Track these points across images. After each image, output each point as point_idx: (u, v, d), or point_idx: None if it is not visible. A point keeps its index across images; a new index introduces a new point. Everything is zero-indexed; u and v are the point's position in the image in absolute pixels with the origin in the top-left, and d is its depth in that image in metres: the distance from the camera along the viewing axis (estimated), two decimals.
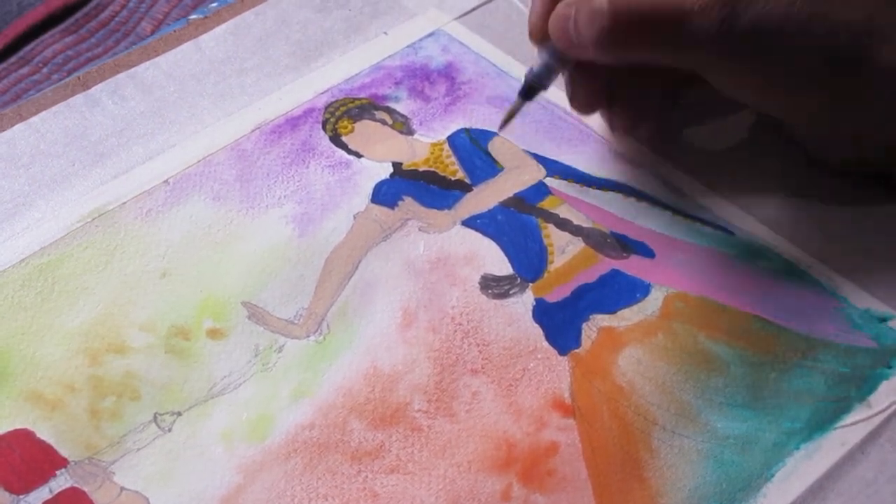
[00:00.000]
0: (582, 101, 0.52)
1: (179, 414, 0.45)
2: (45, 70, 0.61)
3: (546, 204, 0.52)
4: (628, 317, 0.48)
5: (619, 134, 0.54)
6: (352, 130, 0.55)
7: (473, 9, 0.61)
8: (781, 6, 0.44)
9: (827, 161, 0.51)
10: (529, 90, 0.51)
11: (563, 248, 0.50)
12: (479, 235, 0.51)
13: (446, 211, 0.52)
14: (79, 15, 0.64)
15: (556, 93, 0.57)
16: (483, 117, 0.56)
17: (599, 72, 0.50)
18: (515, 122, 0.52)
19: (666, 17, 0.45)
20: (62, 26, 0.64)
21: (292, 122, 0.55)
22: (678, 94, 0.53)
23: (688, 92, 0.52)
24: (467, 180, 0.53)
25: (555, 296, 0.49)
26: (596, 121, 0.56)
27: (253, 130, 0.55)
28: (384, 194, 0.52)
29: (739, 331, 0.47)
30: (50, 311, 0.48)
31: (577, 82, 0.51)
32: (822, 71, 0.45)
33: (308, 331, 0.48)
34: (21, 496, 0.42)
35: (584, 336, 0.47)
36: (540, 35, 0.50)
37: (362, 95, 0.57)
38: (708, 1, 0.44)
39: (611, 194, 0.53)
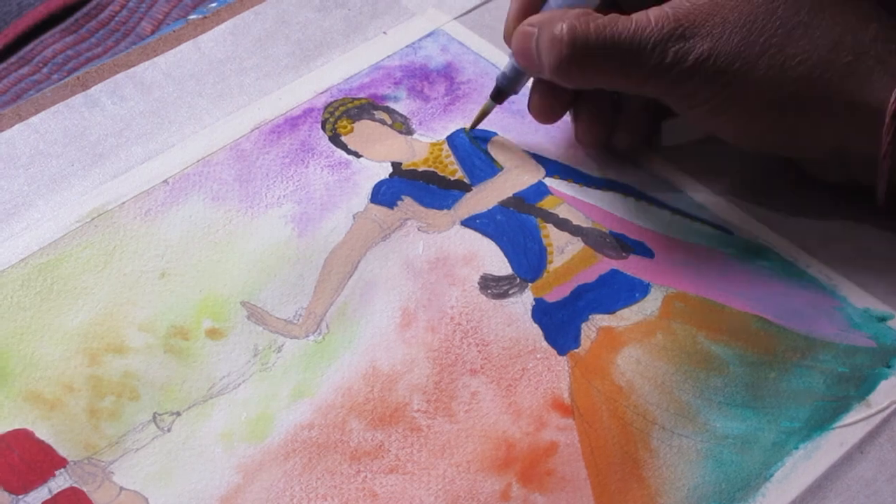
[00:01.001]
0: (539, 109, 0.53)
1: (179, 414, 0.45)
2: (45, 70, 0.61)
3: (545, 204, 0.52)
4: (627, 317, 0.48)
5: (584, 145, 0.54)
6: (351, 130, 0.55)
7: (473, 8, 0.61)
8: (734, 41, 0.45)
9: (816, 177, 0.51)
10: (499, 93, 0.53)
11: (562, 248, 0.50)
12: (478, 235, 0.51)
13: (445, 211, 0.52)
14: (79, 15, 0.64)
15: None
16: None
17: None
18: (513, 122, 0.52)
19: (622, 51, 0.46)
20: (62, 26, 0.64)
21: (291, 122, 0.55)
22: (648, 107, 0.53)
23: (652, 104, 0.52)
24: (466, 180, 0.53)
25: (554, 296, 0.49)
26: None
27: (252, 130, 0.55)
28: (383, 194, 0.52)
29: (739, 330, 0.47)
30: (49, 311, 0.48)
31: (538, 90, 0.52)
32: (772, 104, 0.46)
33: (307, 331, 0.48)
34: (20, 496, 0.42)
35: (583, 336, 0.47)
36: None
37: (362, 95, 0.57)
38: (662, 35, 0.46)
39: (610, 194, 0.53)
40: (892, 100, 0.45)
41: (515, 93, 0.53)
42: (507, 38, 0.52)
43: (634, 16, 0.47)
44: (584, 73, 0.48)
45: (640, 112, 0.53)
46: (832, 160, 0.49)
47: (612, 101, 0.53)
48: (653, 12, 0.46)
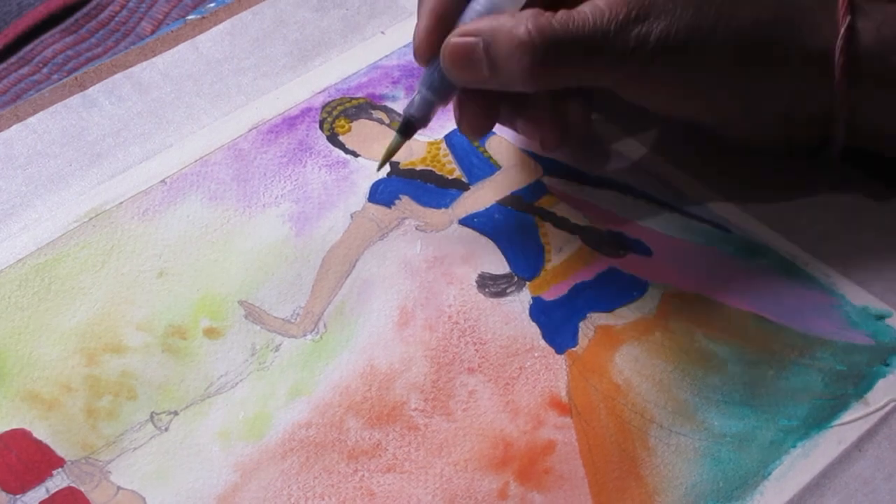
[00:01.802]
0: (473, 124, 0.49)
1: (176, 413, 0.45)
2: (45, 70, 0.62)
3: (543, 202, 0.52)
4: (625, 315, 0.48)
5: (548, 149, 0.52)
6: (349, 130, 0.55)
7: None
8: (688, 15, 0.45)
9: (757, 147, 0.51)
10: (409, 127, 0.49)
11: (560, 247, 0.50)
12: (476, 234, 0.51)
13: (443, 210, 0.52)
14: (79, 15, 0.64)
15: None
16: None
17: (488, 94, 0.48)
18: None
19: (587, 44, 0.45)
20: (62, 26, 0.64)
21: (289, 122, 0.55)
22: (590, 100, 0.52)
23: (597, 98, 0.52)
24: (464, 179, 0.53)
25: (552, 294, 0.49)
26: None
27: (250, 130, 0.55)
28: (381, 193, 0.52)
29: (736, 328, 0.47)
30: (47, 311, 0.48)
31: (465, 107, 0.49)
32: (734, 68, 0.46)
33: (305, 330, 0.48)
34: (18, 496, 0.42)
35: (581, 334, 0.47)
36: (428, 54, 0.48)
37: (359, 95, 0.57)
38: (619, 22, 0.45)
39: (608, 192, 0.53)
40: (839, 36, 0.46)
41: (425, 125, 0.49)
42: (420, 53, 0.48)
43: (584, 7, 0.45)
44: (555, 74, 0.46)
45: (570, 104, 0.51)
46: (783, 124, 0.49)
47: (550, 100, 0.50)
48: (600, 1, 0.45)
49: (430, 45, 0.47)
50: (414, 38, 0.48)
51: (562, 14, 0.45)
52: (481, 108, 0.49)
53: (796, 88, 0.47)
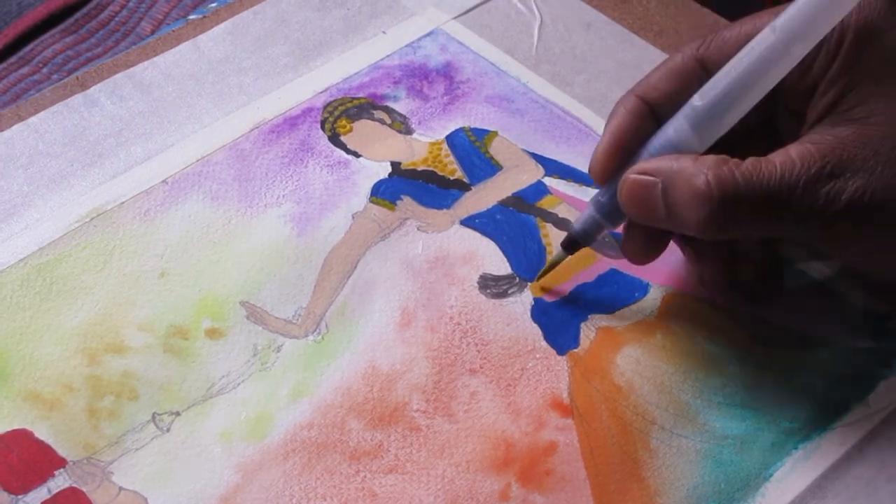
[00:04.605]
0: (639, 254, 0.47)
1: (178, 413, 0.45)
2: (45, 70, 0.61)
3: (545, 203, 0.52)
4: (627, 316, 0.48)
5: (711, 288, 0.49)
6: (350, 130, 0.55)
7: (472, 8, 0.61)
8: (890, 174, 0.42)
9: None
10: (572, 245, 0.48)
11: None
12: (477, 235, 0.51)
13: (445, 210, 0.52)
14: (79, 15, 0.64)
15: (555, 91, 0.57)
16: (482, 116, 0.56)
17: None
18: (513, 121, 0.51)
19: (771, 198, 0.42)
20: (62, 26, 0.63)
21: (291, 122, 0.55)
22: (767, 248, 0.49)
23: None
24: (466, 180, 0.53)
25: (553, 295, 0.49)
26: (595, 121, 0.56)
27: (251, 130, 0.55)
28: (383, 194, 0.52)
29: (738, 330, 0.47)
30: (48, 311, 0.48)
31: (636, 236, 0.46)
32: None
33: (307, 330, 0.48)
34: (20, 496, 0.42)
35: (582, 336, 0.47)
36: (604, 176, 0.46)
37: (361, 95, 0.57)
38: (810, 177, 0.41)
39: None
40: None
41: (590, 243, 0.47)
42: (599, 176, 0.46)
43: (774, 157, 0.42)
44: (733, 226, 0.43)
45: (759, 250, 0.49)
46: None
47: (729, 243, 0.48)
48: (795, 151, 0.42)
49: (607, 167, 0.45)
50: (593, 156, 0.46)
51: (749, 164, 0.42)
52: (651, 238, 0.46)
53: None
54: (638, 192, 0.44)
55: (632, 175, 0.44)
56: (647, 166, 0.43)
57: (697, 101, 0.43)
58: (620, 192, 0.44)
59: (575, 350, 0.47)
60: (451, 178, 0.53)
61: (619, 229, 0.47)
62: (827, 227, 0.42)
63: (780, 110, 0.45)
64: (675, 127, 0.43)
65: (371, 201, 0.52)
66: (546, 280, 0.49)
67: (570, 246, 0.48)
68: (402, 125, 0.55)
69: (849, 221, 0.42)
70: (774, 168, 0.42)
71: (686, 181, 0.42)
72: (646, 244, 0.46)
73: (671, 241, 0.47)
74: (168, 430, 0.45)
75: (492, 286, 0.49)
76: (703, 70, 0.45)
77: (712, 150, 0.43)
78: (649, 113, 0.45)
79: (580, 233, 0.47)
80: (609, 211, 0.46)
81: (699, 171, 0.42)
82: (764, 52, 0.41)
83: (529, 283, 0.49)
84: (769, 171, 0.42)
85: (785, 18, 0.41)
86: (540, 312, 0.48)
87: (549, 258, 0.49)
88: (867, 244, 0.43)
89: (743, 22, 0.45)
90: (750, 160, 0.42)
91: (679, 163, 0.43)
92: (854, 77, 0.43)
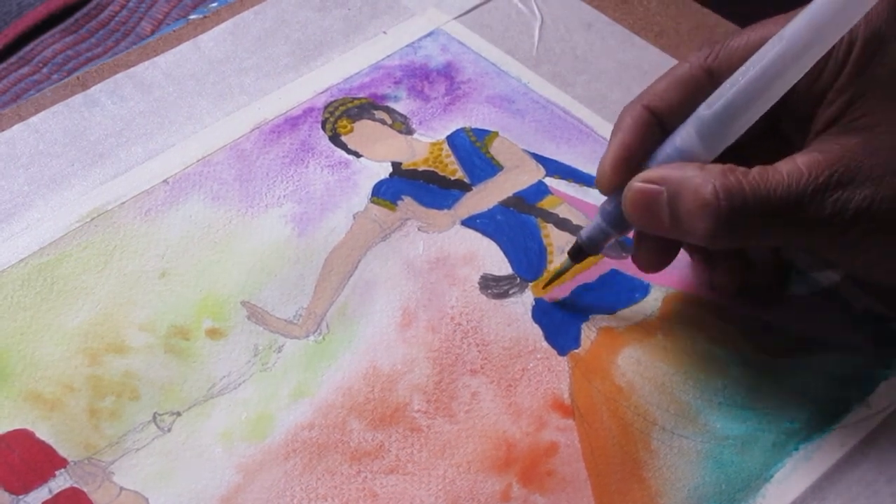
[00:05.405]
0: (649, 263, 0.47)
1: (179, 414, 0.45)
2: (45, 70, 0.61)
3: (545, 203, 0.52)
4: (628, 317, 0.48)
5: (722, 293, 0.49)
6: (351, 130, 0.55)
7: (473, 8, 0.61)
8: (893, 186, 0.41)
9: None
10: (579, 253, 0.47)
11: (562, 248, 0.50)
12: (478, 235, 0.51)
13: (446, 211, 0.52)
14: (79, 15, 0.64)
15: (556, 91, 0.57)
16: (482, 116, 0.56)
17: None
18: (513, 121, 0.51)
19: (778, 208, 0.41)
20: (62, 26, 0.63)
21: (291, 122, 0.55)
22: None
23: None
24: (466, 180, 0.53)
25: (554, 296, 0.49)
26: (596, 121, 0.56)
27: (252, 130, 0.55)
28: (384, 194, 0.52)
29: (738, 331, 0.47)
30: (49, 311, 0.48)
31: (646, 246, 0.46)
32: None
33: (307, 330, 0.48)
34: (21, 496, 0.42)
35: (583, 336, 0.47)
36: (610, 187, 0.45)
37: (361, 95, 0.57)
38: (818, 186, 0.41)
39: None
40: None
41: (597, 252, 0.47)
42: (606, 187, 0.45)
43: (781, 166, 0.42)
44: (740, 236, 0.42)
45: (771, 256, 0.49)
46: None
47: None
48: (801, 160, 0.42)
49: (614, 178, 0.45)
50: (599, 167, 0.45)
51: (756, 173, 0.42)
52: (661, 246, 0.46)
53: None
54: (642, 201, 0.43)
55: (636, 183, 0.43)
56: (653, 175, 0.43)
57: (705, 110, 0.43)
58: (625, 201, 0.44)
59: (576, 350, 0.47)
60: (452, 178, 0.53)
61: (630, 234, 0.47)
62: (834, 236, 0.42)
63: (787, 118, 0.45)
64: (683, 136, 0.43)
65: (372, 201, 0.52)
66: (547, 280, 0.49)
67: (577, 254, 0.47)
68: (402, 125, 0.55)
69: (856, 231, 0.42)
70: (782, 177, 0.41)
71: (693, 191, 0.42)
72: (658, 253, 0.46)
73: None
74: (169, 430, 0.45)
75: (493, 286, 0.49)
76: (710, 79, 0.44)
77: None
78: (656, 123, 0.45)
79: (587, 242, 0.47)
80: (616, 219, 0.45)
81: (706, 181, 0.41)
82: (772, 61, 0.41)
83: (530, 284, 0.49)
84: (777, 180, 0.41)
85: (793, 28, 0.41)
86: (541, 313, 0.48)
87: (555, 267, 0.49)
88: (874, 253, 0.43)
89: (751, 30, 0.45)
90: (757, 169, 0.42)
91: (685, 171, 0.42)
92: (862, 86, 0.42)
